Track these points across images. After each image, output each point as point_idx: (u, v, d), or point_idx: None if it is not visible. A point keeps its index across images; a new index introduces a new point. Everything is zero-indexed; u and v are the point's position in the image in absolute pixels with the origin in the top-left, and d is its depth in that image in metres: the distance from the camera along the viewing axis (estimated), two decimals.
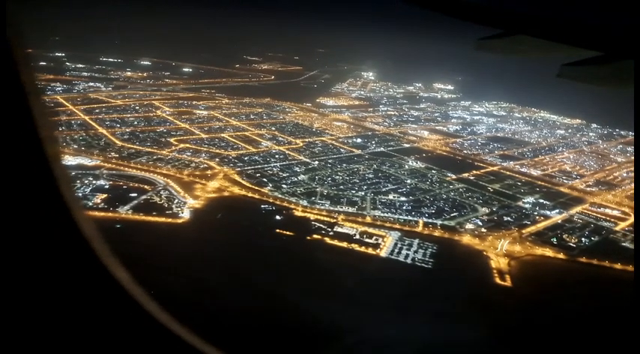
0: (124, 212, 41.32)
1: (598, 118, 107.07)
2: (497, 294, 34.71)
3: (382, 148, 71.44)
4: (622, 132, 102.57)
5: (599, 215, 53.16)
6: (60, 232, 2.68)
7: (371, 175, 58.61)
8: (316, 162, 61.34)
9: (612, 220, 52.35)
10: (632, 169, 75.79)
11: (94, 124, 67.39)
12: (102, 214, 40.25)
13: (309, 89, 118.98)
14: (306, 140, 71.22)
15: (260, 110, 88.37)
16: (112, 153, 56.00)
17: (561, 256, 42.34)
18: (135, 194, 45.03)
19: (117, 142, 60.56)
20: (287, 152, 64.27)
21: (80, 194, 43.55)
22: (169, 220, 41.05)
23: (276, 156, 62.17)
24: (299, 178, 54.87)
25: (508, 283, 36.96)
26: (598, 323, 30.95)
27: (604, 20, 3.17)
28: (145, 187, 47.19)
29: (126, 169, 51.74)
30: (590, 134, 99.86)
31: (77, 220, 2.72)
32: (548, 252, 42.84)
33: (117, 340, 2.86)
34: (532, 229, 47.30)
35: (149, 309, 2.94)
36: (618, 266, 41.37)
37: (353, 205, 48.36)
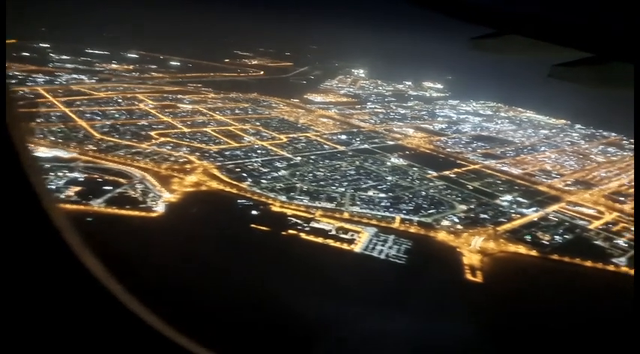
0: (97, 205, 40.83)
1: (583, 118, 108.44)
2: (467, 289, 35.06)
3: (366, 145, 71.54)
4: (604, 133, 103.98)
5: (574, 214, 53.92)
6: (30, 223, 2.62)
7: (352, 172, 58.69)
8: (299, 158, 61.21)
9: (587, 218, 53.15)
10: (611, 169, 77.09)
11: (73, 116, 66.31)
12: (74, 207, 39.72)
13: (297, 85, 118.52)
14: (290, 136, 70.99)
15: (246, 105, 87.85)
16: (90, 145, 55.21)
17: (534, 253, 42.91)
18: (109, 187, 44.50)
19: (96, 134, 59.73)
20: (270, 148, 64.02)
21: (53, 187, 42.92)
22: (142, 213, 40.67)
23: (258, 151, 61.90)
24: (279, 173, 54.71)
25: (479, 279, 37.37)
26: (562, 319, 31.51)
27: (597, 21, 3.16)
28: (121, 180, 46.66)
29: (102, 162, 51.07)
30: (574, 134, 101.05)
31: (47, 211, 2.67)
32: (522, 249, 43.39)
33: (90, 332, 2.81)
34: (507, 226, 47.82)
35: (122, 300, 2.92)
36: (589, 264, 42.12)
37: (332, 201, 48.40)
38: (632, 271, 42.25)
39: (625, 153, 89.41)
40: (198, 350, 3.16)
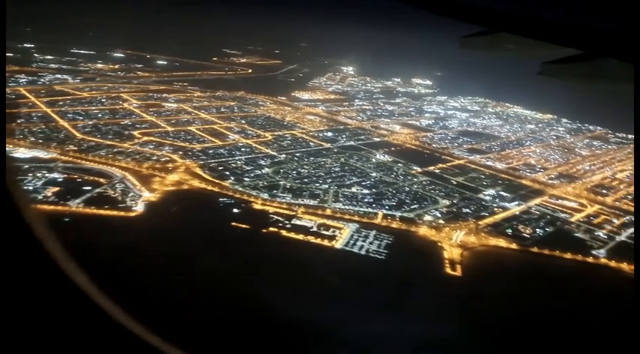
0: (75, 206, 40.34)
1: (570, 113, 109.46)
2: (445, 283, 35.22)
3: (352, 142, 71.54)
4: (590, 127, 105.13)
5: (556, 207, 54.37)
6: (8, 234, 2.49)
7: (337, 169, 58.63)
8: (283, 155, 61.04)
9: (569, 211, 53.62)
10: (595, 162, 77.92)
11: (55, 116, 65.55)
12: (51, 207, 39.25)
13: (285, 83, 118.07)
14: (276, 134, 70.79)
15: (232, 103, 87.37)
16: (71, 146, 54.56)
17: (514, 246, 43.21)
18: (89, 187, 44.02)
19: (77, 134, 59.08)
20: (254, 145, 63.76)
21: (31, 187, 42.42)
22: (121, 213, 40.27)
23: (242, 149, 61.59)
24: (263, 171, 54.49)
25: (458, 272, 37.54)
26: (538, 310, 31.79)
27: (588, 20, 3.16)
28: (101, 180, 46.18)
29: (83, 162, 50.52)
30: (560, 129, 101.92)
31: (28, 220, 2.56)
32: (502, 242, 43.66)
33: (73, 342, 2.73)
34: (489, 220, 48.08)
35: (109, 312, 2.86)
36: (568, 256, 42.50)
37: (315, 198, 48.32)
38: (611, 263, 42.77)
39: (610, 146, 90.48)
40: None
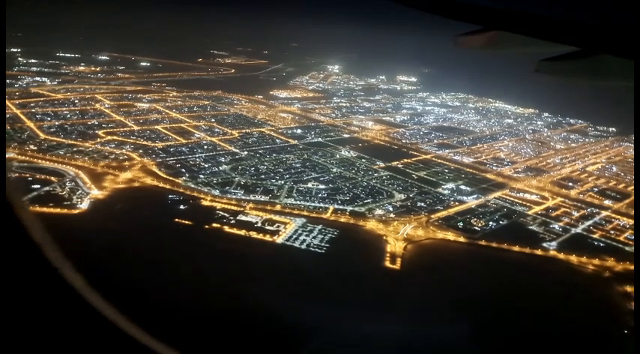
0: None
1: (554, 108, 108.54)
2: (379, 276, 35.02)
3: (320, 139, 71.44)
4: (571, 120, 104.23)
5: (515, 200, 53.88)
6: (6, 238, 2.53)
7: (298, 165, 58.58)
8: (245, 152, 61.10)
9: (527, 204, 53.10)
10: (567, 155, 77.23)
11: (23, 117, 66.10)
12: None
13: (266, 82, 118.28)
14: (244, 131, 70.90)
15: (206, 103, 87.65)
16: (31, 146, 55.01)
17: (461, 239, 42.87)
18: (37, 186, 44.28)
19: (41, 134, 59.55)
20: (218, 143, 63.89)
21: None
22: (64, 211, 40.50)
23: (205, 147, 61.73)
24: (220, 168, 54.56)
25: (397, 266, 37.31)
26: (466, 303, 31.54)
27: (585, 16, 3.18)
28: (52, 178, 46.47)
29: (39, 161, 50.90)
30: (539, 123, 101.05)
31: (25, 224, 2.60)
32: (450, 236, 43.35)
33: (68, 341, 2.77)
34: (442, 214, 47.77)
35: (107, 315, 2.93)
36: (516, 249, 42.04)
37: (267, 194, 48.29)
38: (559, 255, 42.32)
39: (587, 139, 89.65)
40: None
